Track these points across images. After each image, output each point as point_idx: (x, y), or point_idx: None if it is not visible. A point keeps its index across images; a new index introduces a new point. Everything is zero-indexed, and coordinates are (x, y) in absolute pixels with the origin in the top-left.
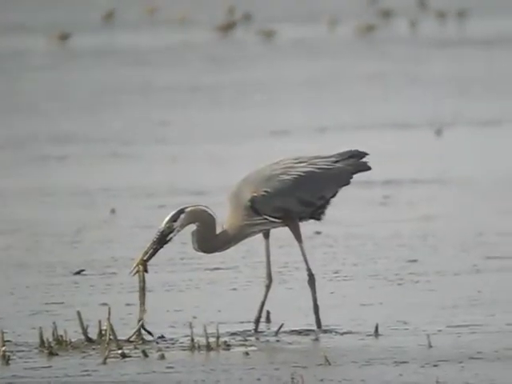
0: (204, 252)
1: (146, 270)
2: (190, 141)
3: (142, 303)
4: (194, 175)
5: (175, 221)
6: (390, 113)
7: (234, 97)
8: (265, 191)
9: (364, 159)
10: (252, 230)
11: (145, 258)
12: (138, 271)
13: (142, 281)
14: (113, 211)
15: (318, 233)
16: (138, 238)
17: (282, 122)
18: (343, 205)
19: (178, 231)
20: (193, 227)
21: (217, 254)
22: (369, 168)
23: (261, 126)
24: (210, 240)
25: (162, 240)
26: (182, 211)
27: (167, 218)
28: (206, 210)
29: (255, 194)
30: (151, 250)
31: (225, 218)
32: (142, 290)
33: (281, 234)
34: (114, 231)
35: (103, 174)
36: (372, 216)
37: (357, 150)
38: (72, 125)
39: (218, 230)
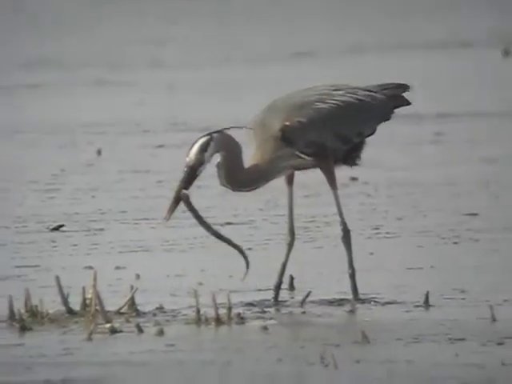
0: (233, 187)
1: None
2: (191, 64)
3: (226, 240)
4: (198, 107)
5: (205, 151)
6: (443, 28)
7: (246, 7)
8: (298, 120)
9: (403, 92)
10: (282, 164)
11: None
12: (179, 201)
13: (193, 210)
14: (98, 152)
15: (354, 179)
16: (129, 186)
17: (305, 41)
18: (384, 144)
19: (208, 163)
20: (216, 158)
21: (242, 192)
22: (409, 103)
23: (280, 46)
24: (240, 172)
25: (193, 176)
26: (211, 139)
27: (196, 149)
28: (231, 135)
29: (287, 123)
30: (178, 191)
31: (249, 154)
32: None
33: (307, 179)
34: (99, 177)
35: (85, 107)
36: (421, 157)
37: (395, 83)
38: (44, 46)
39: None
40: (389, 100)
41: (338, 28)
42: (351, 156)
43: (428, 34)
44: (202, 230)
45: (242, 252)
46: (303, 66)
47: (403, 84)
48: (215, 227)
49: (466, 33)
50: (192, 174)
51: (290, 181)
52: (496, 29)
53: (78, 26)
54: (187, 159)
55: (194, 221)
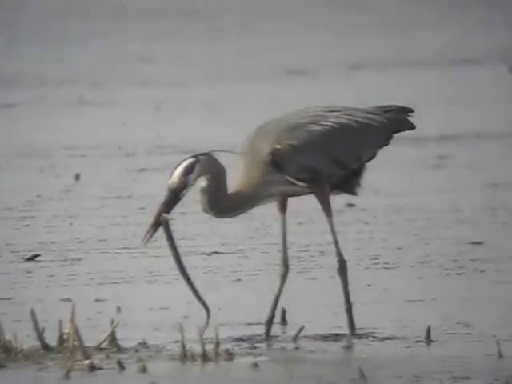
0: (215, 214)
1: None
2: (179, 82)
3: (184, 274)
4: (185, 127)
5: (190, 173)
6: (446, 44)
7: (237, 24)
8: (290, 144)
9: (406, 116)
10: (271, 190)
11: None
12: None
13: (170, 237)
14: (77, 177)
15: (351, 205)
16: (109, 213)
17: (300, 58)
18: (383, 168)
19: (192, 186)
20: (200, 182)
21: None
22: (413, 127)
23: (273, 63)
24: (223, 198)
25: (175, 199)
26: (196, 161)
27: (179, 171)
28: (216, 158)
29: (278, 146)
30: (159, 217)
31: (236, 178)
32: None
33: (300, 205)
34: (78, 203)
35: (64, 128)
36: (422, 182)
37: (399, 106)
38: (21, 62)
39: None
40: (390, 123)
41: (333, 44)
42: (350, 183)
43: (429, 50)
44: (187, 260)
45: (203, 304)
46: (297, 85)
47: (406, 107)
48: (186, 268)
49: (470, 49)
50: (174, 197)
51: (282, 208)
52: (502, 45)
53: (57, 41)
54: (169, 181)
55: (180, 248)
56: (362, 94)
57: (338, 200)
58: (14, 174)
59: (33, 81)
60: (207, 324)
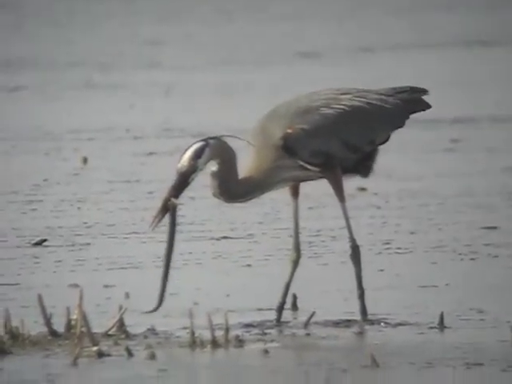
0: (226, 199)
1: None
2: (189, 66)
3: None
4: (194, 111)
5: (199, 157)
6: (460, 26)
7: (247, 6)
8: (302, 128)
9: (421, 96)
10: (283, 175)
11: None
12: (167, 210)
13: (173, 223)
14: (84, 160)
15: (363, 189)
16: (118, 197)
17: (311, 41)
18: (396, 151)
19: (201, 170)
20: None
21: (235, 203)
22: (429, 106)
23: (284, 46)
24: (234, 183)
25: (184, 183)
26: (206, 144)
27: (189, 154)
28: (227, 142)
29: (290, 131)
30: (167, 202)
31: (247, 163)
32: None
33: (311, 190)
34: (85, 187)
35: (72, 111)
36: (435, 166)
37: (412, 87)
38: (28, 44)
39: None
40: (404, 104)
41: (344, 26)
42: (364, 165)
43: (443, 32)
44: (197, 245)
45: (161, 295)
46: (308, 68)
47: (421, 88)
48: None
49: (483, 30)
50: (183, 181)
51: (295, 193)
52: None
53: (65, 24)
54: (179, 165)
55: (187, 235)
56: (373, 77)
57: (349, 184)
58: (20, 157)
59: (40, 64)
60: (151, 311)
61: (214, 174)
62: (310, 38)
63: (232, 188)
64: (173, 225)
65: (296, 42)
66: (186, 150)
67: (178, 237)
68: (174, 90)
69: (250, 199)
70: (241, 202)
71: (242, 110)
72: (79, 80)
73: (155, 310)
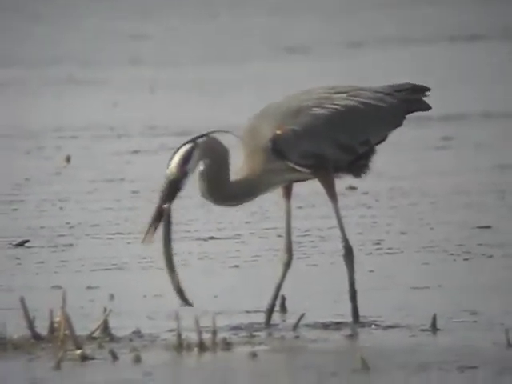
0: (215, 201)
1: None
2: (172, 62)
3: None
4: (179, 108)
5: (188, 162)
6: (450, 20)
7: (234, 0)
8: (292, 129)
9: (421, 95)
10: (275, 179)
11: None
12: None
13: (169, 226)
14: (67, 159)
15: (353, 188)
16: (101, 196)
17: (298, 36)
18: (386, 149)
19: (192, 173)
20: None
21: (226, 207)
22: (428, 107)
23: (270, 41)
24: (224, 184)
25: (174, 190)
26: (194, 146)
27: (176, 160)
28: (218, 139)
29: (279, 132)
30: (158, 211)
31: (238, 166)
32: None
33: (300, 189)
34: (68, 186)
35: (54, 108)
36: (427, 164)
37: (414, 85)
38: (8, 40)
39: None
40: (401, 103)
41: (331, 22)
42: (358, 164)
43: (433, 26)
44: (182, 246)
45: (181, 296)
46: (295, 64)
47: (421, 86)
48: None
49: (473, 25)
50: (174, 188)
51: (287, 193)
52: (507, 21)
53: (46, 19)
54: (167, 171)
55: (173, 235)
56: (362, 73)
57: (339, 183)
58: (1, 156)
59: (21, 60)
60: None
61: (203, 174)
62: (297, 33)
63: (222, 190)
64: (168, 226)
65: (283, 37)
66: (174, 154)
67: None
68: (158, 86)
69: (241, 203)
70: (231, 205)
71: (229, 107)
72: (61, 77)
73: (189, 305)
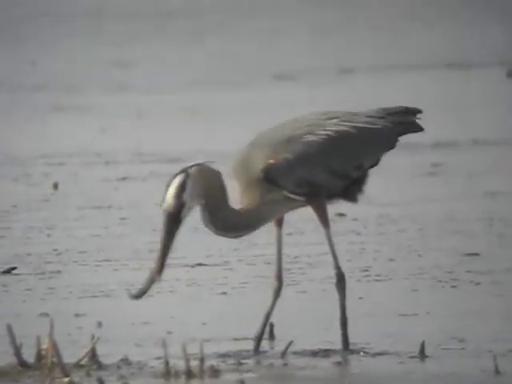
0: (220, 231)
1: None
2: (160, 88)
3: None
4: (167, 135)
5: (184, 190)
6: (441, 47)
7: (218, 25)
8: (285, 157)
9: (414, 117)
10: (275, 209)
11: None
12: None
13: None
14: (55, 186)
15: (342, 215)
16: (89, 223)
17: (286, 62)
18: (376, 176)
19: (190, 208)
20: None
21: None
22: (421, 128)
23: (258, 68)
24: (227, 211)
25: (175, 224)
26: (187, 176)
27: (172, 191)
28: (209, 166)
29: (272, 162)
30: (165, 248)
31: (235, 198)
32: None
33: (289, 215)
34: (56, 213)
35: (40, 135)
36: (415, 191)
37: (407, 107)
38: None
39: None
40: (395, 126)
41: (321, 47)
42: (351, 189)
43: (424, 53)
44: (170, 272)
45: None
46: (284, 91)
47: (413, 108)
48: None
49: (466, 52)
50: (174, 221)
51: (278, 222)
52: (499, 48)
53: (30, 44)
54: (164, 205)
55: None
56: (352, 100)
57: (328, 209)
58: None
59: (4, 85)
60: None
61: (203, 206)
62: (284, 59)
63: (226, 217)
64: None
65: (270, 63)
66: (167, 187)
67: (151, 263)
68: (146, 112)
69: (244, 234)
70: (234, 236)
71: (216, 134)
72: (46, 103)
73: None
